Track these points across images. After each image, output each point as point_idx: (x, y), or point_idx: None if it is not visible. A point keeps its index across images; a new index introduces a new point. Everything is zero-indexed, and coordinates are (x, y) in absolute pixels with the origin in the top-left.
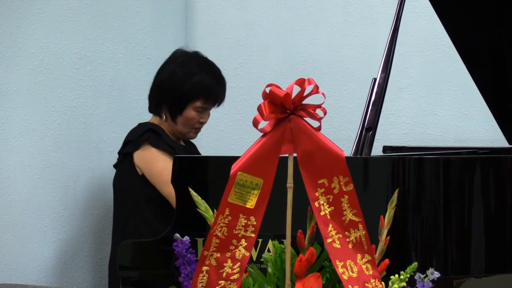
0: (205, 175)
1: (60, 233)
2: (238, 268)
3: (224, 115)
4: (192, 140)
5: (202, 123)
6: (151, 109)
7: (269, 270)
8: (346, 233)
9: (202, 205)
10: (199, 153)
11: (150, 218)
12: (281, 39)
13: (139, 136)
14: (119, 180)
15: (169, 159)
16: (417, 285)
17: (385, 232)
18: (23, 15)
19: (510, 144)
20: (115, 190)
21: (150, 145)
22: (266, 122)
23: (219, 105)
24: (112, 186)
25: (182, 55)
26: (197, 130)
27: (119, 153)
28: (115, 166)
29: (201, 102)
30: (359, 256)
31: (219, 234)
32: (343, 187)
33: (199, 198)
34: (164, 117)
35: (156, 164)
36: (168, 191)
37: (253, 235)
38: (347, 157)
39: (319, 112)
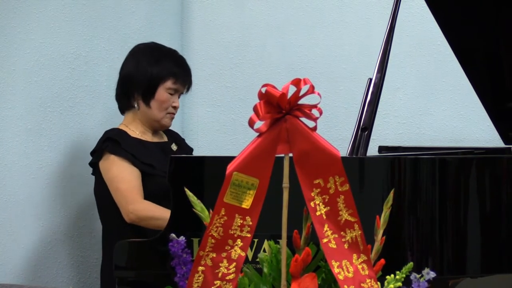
0: (201, 175)
1: (56, 233)
2: (234, 268)
3: (219, 115)
4: (186, 139)
5: (175, 108)
6: (121, 107)
7: (265, 270)
8: (342, 233)
9: (198, 205)
10: (189, 147)
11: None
12: (277, 39)
13: (100, 146)
14: (95, 189)
15: (124, 167)
16: (412, 285)
17: (380, 232)
18: (19, 15)
19: (506, 144)
20: (95, 198)
21: (109, 153)
22: (262, 122)
23: (187, 90)
24: None
25: (140, 46)
26: (172, 115)
27: (89, 163)
28: (92, 174)
29: (172, 82)
30: (354, 256)
31: (215, 234)
32: (338, 187)
33: (195, 198)
34: (137, 106)
35: (109, 173)
36: (116, 199)
37: (248, 235)
38: (342, 157)
39: (314, 112)
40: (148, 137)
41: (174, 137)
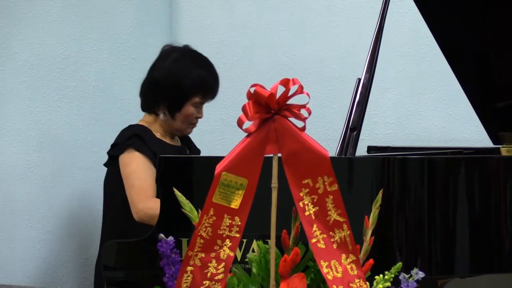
0: (189, 175)
1: (44, 233)
2: (223, 268)
3: (208, 115)
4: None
5: (198, 118)
6: (144, 107)
7: (254, 270)
8: (331, 233)
9: (187, 205)
10: (197, 149)
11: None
12: (266, 40)
13: (126, 140)
14: (107, 181)
15: (145, 164)
16: (401, 285)
17: (369, 232)
18: (7, 15)
19: (494, 144)
20: (104, 190)
21: (134, 150)
22: (251, 122)
23: (212, 99)
24: (97, 185)
25: (174, 51)
26: (194, 125)
27: (107, 153)
28: (105, 165)
29: (200, 98)
30: (343, 256)
31: (204, 234)
32: (327, 187)
33: (184, 198)
34: (162, 115)
35: (128, 167)
36: (130, 194)
37: (237, 235)
38: (331, 157)
39: (303, 112)
40: (167, 139)
41: (187, 140)
